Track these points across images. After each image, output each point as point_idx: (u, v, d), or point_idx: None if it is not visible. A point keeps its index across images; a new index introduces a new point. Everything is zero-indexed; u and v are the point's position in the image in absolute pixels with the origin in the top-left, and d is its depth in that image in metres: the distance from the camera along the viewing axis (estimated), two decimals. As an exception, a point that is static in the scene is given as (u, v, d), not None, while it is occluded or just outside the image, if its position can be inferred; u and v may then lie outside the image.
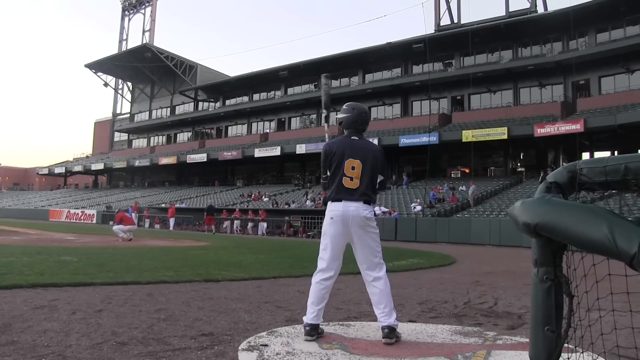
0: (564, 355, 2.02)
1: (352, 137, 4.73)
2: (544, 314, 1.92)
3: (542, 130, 36.23)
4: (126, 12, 79.33)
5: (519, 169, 43.49)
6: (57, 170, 76.53)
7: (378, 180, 4.67)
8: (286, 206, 41.30)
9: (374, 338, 4.47)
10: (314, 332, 4.35)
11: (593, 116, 35.86)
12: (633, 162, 1.77)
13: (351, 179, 4.54)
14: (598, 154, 39.12)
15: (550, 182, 1.96)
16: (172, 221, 38.40)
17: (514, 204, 1.95)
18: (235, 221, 39.47)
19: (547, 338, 1.91)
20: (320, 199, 38.76)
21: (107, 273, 8.33)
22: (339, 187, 4.57)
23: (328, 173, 4.65)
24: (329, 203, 4.62)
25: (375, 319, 4.56)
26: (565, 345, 1.99)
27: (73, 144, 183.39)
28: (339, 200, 4.53)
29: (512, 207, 1.95)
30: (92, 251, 13.43)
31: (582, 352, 2.35)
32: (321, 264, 4.57)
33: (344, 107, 4.87)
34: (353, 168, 4.55)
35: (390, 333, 4.31)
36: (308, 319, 4.40)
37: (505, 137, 37.80)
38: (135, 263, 10.39)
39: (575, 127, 34.53)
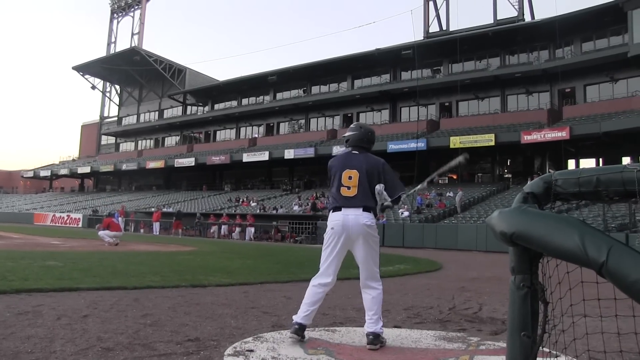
0: (540, 361, 2.08)
1: (353, 152, 4.85)
2: (520, 319, 1.98)
3: (528, 137, 36.50)
4: (115, 15, 78.95)
5: (506, 176, 43.78)
6: (43, 173, 75.96)
7: (382, 190, 4.68)
8: (274, 211, 41.28)
9: (359, 343, 4.52)
10: (300, 332, 4.40)
11: (578, 124, 36.19)
12: (604, 174, 1.84)
13: (348, 187, 4.64)
14: (583, 161, 39.54)
15: (526, 193, 2.03)
16: (157, 225, 38.24)
17: (492, 213, 2.01)
18: (223, 226, 39.40)
19: (523, 343, 1.97)
20: (308, 204, 38.83)
21: (93, 278, 8.31)
22: (338, 196, 4.69)
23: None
24: (330, 213, 4.72)
25: (361, 325, 4.62)
26: (542, 349, 2.05)
27: (59, 146, 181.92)
28: (339, 209, 4.61)
29: (490, 217, 2.01)
30: (78, 256, 13.38)
31: (557, 357, 2.41)
32: (321, 270, 4.65)
33: (352, 126, 5.03)
34: (350, 178, 4.66)
35: (375, 339, 4.38)
36: (298, 317, 4.46)
37: (492, 143, 38.02)
38: (121, 268, 10.38)
39: (561, 134, 34.82)
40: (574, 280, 2.06)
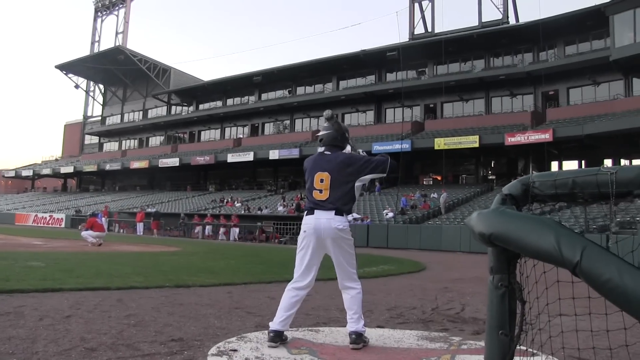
0: (518, 358, 2.13)
1: (325, 152, 4.80)
2: (498, 318, 2.02)
3: (512, 139, 36.75)
4: (99, 14, 78.30)
5: (490, 177, 44.03)
6: (25, 173, 75.24)
7: (364, 181, 4.72)
8: (259, 212, 41.23)
9: (342, 343, 4.55)
10: (277, 339, 4.39)
11: (562, 126, 36.50)
12: (580, 177, 1.89)
13: (320, 191, 4.60)
14: (566, 163, 39.88)
15: (505, 194, 2.07)
16: (140, 226, 38.13)
17: (472, 214, 2.06)
18: (207, 226, 39.30)
19: (501, 341, 2.01)
20: (293, 205, 38.83)
21: (76, 278, 8.27)
22: (310, 200, 4.68)
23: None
24: (304, 216, 4.70)
25: (344, 325, 4.65)
26: (520, 347, 2.10)
27: (42, 146, 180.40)
28: (312, 212, 4.60)
29: (470, 218, 2.06)
30: (61, 256, 13.29)
31: (533, 355, 2.46)
32: (295, 274, 4.63)
33: (325, 125, 4.95)
34: (322, 180, 4.62)
35: (357, 339, 4.41)
36: (274, 324, 4.44)
37: (476, 145, 38.26)
38: (105, 268, 10.34)
39: (545, 136, 35.10)
40: (550, 280, 2.11)
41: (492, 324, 2.04)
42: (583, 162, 38.52)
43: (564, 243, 1.70)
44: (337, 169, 4.63)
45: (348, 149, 4.94)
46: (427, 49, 45.37)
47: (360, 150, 4.98)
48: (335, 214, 4.53)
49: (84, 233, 19.54)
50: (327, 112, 4.89)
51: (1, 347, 3.88)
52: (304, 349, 4.29)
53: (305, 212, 4.70)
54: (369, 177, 4.73)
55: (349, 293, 4.60)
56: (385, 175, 4.77)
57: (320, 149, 4.88)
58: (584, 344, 2.55)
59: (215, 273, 10.67)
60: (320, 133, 4.94)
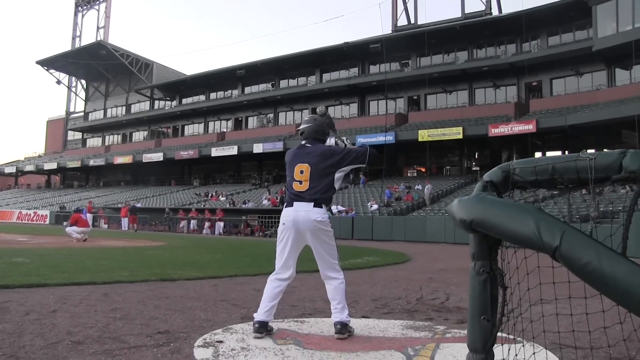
0: (499, 345, 2.16)
1: (306, 145, 4.83)
2: (480, 304, 2.05)
3: (496, 130, 36.97)
4: (80, 8, 77.47)
5: (474, 168, 44.28)
6: (7, 170, 74.51)
7: (348, 168, 4.72)
8: (243, 205, 41.19)
9: (327, 333, 4.58)
10: (262, 330, 4.43)
11: (545, 117, 36.76)
12: (559, 163, 1.92)
13: (300, 182, 4.61)
14: (550, 154, 40.09)
15: (486, 181, 2.10)
16: (125, 221, 38.09)
17: (452, 201, 2.08)
18: (192, 221, 39.19)
19: (483, 327, 2.04)
20: (277, 198, 38.80)
21: (62, 274, 8.24)
22: (290, 192, 4.69)
23: None
24: (283, 209, 4.72)
25: (329, 315, 4.68)
26: (501, 333, 2.13)
27: (24, 143, 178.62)
28: (291, 204, 4.61)
29: (451, 205, 2.08)
30: (46, 252, 13.23)
31: (514, 339, 2.50)
32: (277, 266, 4.67)
33: (306, 118, 4.99)
34: (302, 172, 4.64)
35: (342, 329, 4.45)
36: (259, 315, 4.47)
37: (460, 136, 38.44)
38: (90, 263, 10.31)
39: (528, 127, 35.35)
40: (531, 267, 2.15)
41: (474, 310, 2.07)
42: (566, 152, 38.78)
43: (544, 228, 1.73)
44: (317, 161, 4.64)
45: (332, 140, 4.98)
46: (410, 41, 45.41)
47: (344, 139, 5.00)
48: (314, 205, 4.54)
49: (69, 229, 19.44)
50: (321, 109, 5.06)
51: (-13, 342, 3.87)
52: (289, 339, 4.32)
53: (285, 205, 4.71)
54: (348, 168, 4.73)
55: (332, 284, 4.63)
56: (364, 165, 4.79)
57: (302, 142, 4.91)
58: (565, 328, 2.60)
59: (200, 266, 10.68)
60: (301, 126, 4.97)
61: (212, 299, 6.40)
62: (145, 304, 5.88)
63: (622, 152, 1.79)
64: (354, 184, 42.29)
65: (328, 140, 4.92)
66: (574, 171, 1.89)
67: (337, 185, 4.72)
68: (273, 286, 4.60)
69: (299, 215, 4.53)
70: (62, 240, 18.76)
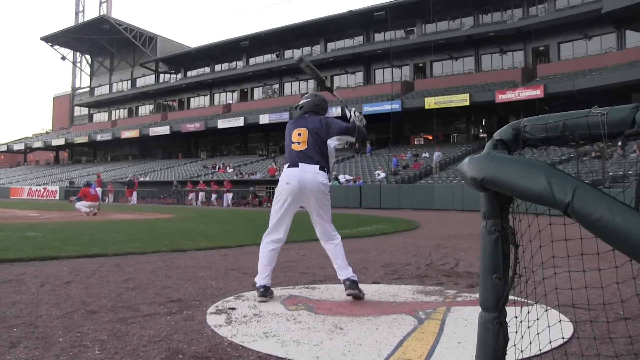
0: (511, 308, 2.17)
1: (304, 115, 4.94)
2: (492, 263, 2.05)
3: (503, 97, 36.73)
4: (82, -17, 77.10)
5: (481, 135, 44.08)
6: (16, 147, 74.92)
7: (340, 134, 4.77)
8: (251, 177, 41.26)
9: (338, 299, 4.62)
10: (267, 293, 4.50)
11: (552, 82, 36.45)
12: (570, 119, 1.91)
13: (298, 143, 4.70)
14: (557, 119, 39.86)
15: (496, 140, 2.09)
16: (134, 195, 38.40)
17: (463, 160, 2.08)
18: (200, 193, 39.33)
19: (495, 285, 2.04)
20: (279, 168, 38.80)
21: (74, 247, 8.31)
22: (290, 153, 4.73)
23: None
24: (285, 169, 4.74)
25: (340, 282, 4.72)
26: (513, 296, 2.14)
27: (32, 119, 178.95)
28: (295, 165, 4.63)
29: (461, 164, 2.08)
30: (57, 226, 13.33)
31: (527, 304, 2.52)
32: (271, 227, 4.73)
33: (306, 95, 5.10)
34: (299, 135, 4.73)
35: (352, 284, 4.54)
36: (261, 280, 4.54)
37: (467, 103, 38.23)
38: (101, 236, 10.39)
39: (535, 92, 35.09)
40: (543, 228, 2.15)
41: (486, 269, 2.07)
42: (574, 117, 38.50)
43: (555, 184, 1.72)
44: (313, 126, 4.73)
45: (341, 111, 5.09)
46: (415, 8, 44.92)
47: (353, 109, 5.00)
48: (319, 169, 4.61)
49: (78, 204, 19.48)
50: (298, 57, 5.18)
51: (7, 311, 3.95)
52: (301, 305, 4.35)
53: (287, 165, 4.73)
54: (336, 138, 4.77)
55: (333, 242, 4.69)
56: (353, 139, 4.87)
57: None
58: (577, 285, 2.60)
59: (210, 237, 10.73)
60: (301, 102, 5.07)
61: (223, 268, 6.45)
62: (156, 274, 5.93)
63: (635, 106, 1.77)
64: (361, 153, 42.24)
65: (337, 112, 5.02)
66: (585, 127, 1.87)
67: (331, 160, 4.80)
68: (269, 249, 4.66)
69: (306, 177, 4.57)
70: (72, 215, 18.88)
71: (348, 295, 4.54)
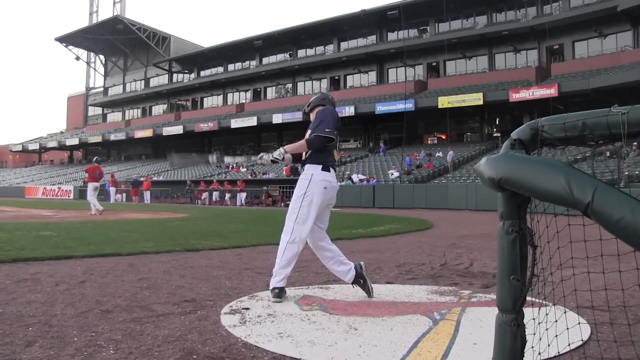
0: (529, 309, 2.14)
1: None
2: (510, 264, 2.03)
3: (517, 96, 36.53)
4: (96, -17, 77.60)
5: (495, 134, 43.92)
6: (31, 147, 75.53)
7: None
8: (264, 176, 41.31)
9: (352, 299, 4.60)
10: (282, 294, 4.48)
11: (567, 81, 36.20)
12: (590, 118, 1.88)
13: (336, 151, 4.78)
14: (572, 118, 39.57)
15: (514, 139, 2.06)
16: (147, 194, 38.56)
17: (480, 160, 2.05)
18: (214, 192, 39.45)
19: (513, 286, 2.02)
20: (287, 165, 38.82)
21: (88, 246, 8.35)
22: (331, 158, 4.71)
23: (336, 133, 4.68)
24: (321, 172, 4.61)
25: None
26: (531, 298, 2.11)
27: (46, 119, 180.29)
28: (328, 170, 4.63)
29: (478, 164, 2.05)
30: (71, 226, 13.40)
31: (544, 301, 2.49)
32: (302, 231, 4.57)
33: (319, 95, 5.05)
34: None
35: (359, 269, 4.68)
36: (279, 283, 4.47)
37: (480, 102, 38.07)
38: (115, 236, 10.42)
39: (550, 91, 34.87)
40: (561, 229, 2.12)
41: (503, 269, 2.05)
42: (589, 116, 38.20)
43: (575, 184, 1.70)
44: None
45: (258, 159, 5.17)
46: (428, 7, 44.79)
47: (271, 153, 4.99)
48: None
49: (89, 198, 19.31)
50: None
51: (23, 310, 3.97)
52: (315, 305, 4.33)
53: (322, 168, 4.63)
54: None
55: (329, 242, 4.74)
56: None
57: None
58: (595, 286, 2.57)
59: (224, 236, 10.74)
60: (314, 98, 5.04)
61: (237, 268, 6.44)
62: (170, 273, 5.94)
63: (656, 105, 1.74)
64: (374, 153, 42.16)
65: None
66: (605, 126, 1.84)
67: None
68: (294, 253, 4.55)
69: (334, 182, 4.68)
70: (86, 214, 18.98)
71: (352, 283, 4.71)
